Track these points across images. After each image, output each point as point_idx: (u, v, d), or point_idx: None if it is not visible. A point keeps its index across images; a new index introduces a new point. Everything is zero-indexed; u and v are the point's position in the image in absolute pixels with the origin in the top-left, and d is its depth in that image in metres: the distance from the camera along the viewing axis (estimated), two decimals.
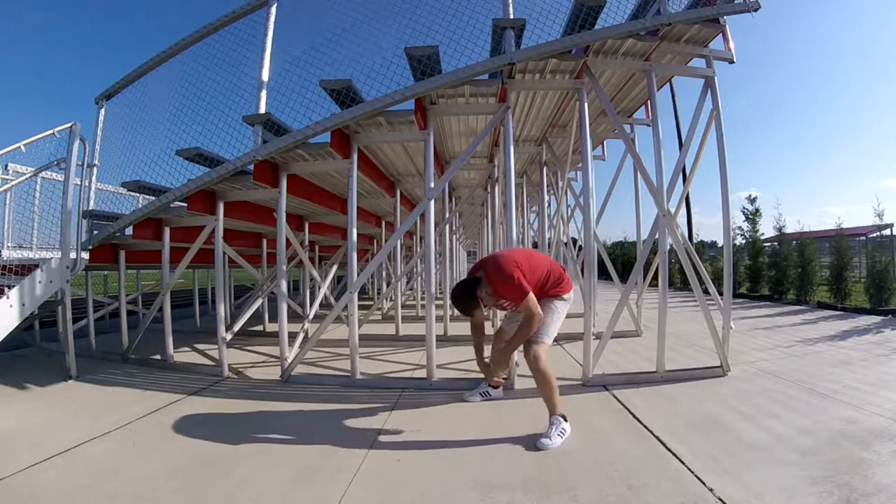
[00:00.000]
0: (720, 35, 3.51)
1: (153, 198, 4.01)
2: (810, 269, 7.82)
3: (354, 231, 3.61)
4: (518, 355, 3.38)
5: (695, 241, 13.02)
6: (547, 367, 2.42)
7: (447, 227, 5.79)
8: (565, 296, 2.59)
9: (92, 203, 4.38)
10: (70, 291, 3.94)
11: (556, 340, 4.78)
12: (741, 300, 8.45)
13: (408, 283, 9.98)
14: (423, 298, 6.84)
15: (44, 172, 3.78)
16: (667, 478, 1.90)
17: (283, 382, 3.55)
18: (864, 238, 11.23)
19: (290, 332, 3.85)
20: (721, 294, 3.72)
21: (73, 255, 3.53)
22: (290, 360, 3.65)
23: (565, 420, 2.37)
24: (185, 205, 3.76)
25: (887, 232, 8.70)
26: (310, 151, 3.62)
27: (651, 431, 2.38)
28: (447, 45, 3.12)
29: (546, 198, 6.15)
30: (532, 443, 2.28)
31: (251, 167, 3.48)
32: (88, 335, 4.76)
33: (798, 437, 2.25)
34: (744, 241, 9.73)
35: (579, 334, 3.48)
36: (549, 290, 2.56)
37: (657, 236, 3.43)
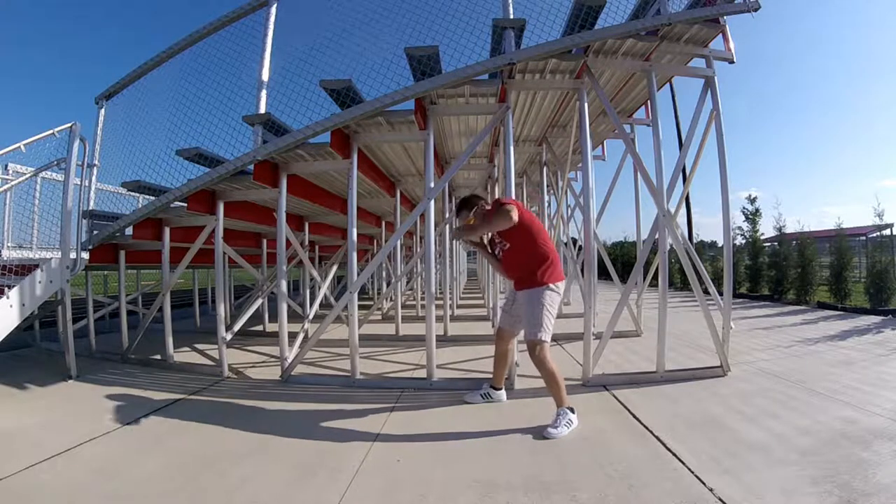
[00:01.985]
0: (720, 35, 3.51)
1: (153, 198, 4.01)
2: (810, 269, 7.81)
3: (354, 231, 3.61)
4: (519, 356, 3.38)
5: (695, 241, 13.02)
6: (552, 365, 2.52)
7: (447, 227, 5.80)
8: (555, 285, 2.59)
9: (92, 203, 4.38)
10: (70, 291, 3.94)
11: (555, 340, 4.81)
12: (741, 300, 8.45)
13: (408, 283, 9.98)
14: (423, 298, 6.83)
15: (44, 172, 3.78)
16: (667, 478, 1.90)
17: (283, 382, 3.55)
18: (864, 238, 11.23)
19: (290, 332, 3.85)
20: (721, 294, 3.72)
21: (73, 255, 3.53)
22: (290, 360, 3.65)
23: (572, 412, 2.48)
24: (185, 205, 3.76)
25: (887, 232, 8.69)
26: (310, 151, 3.62)
27: (651, 431, 2.38)
28: (447, 45, 3.12)
29: (546, 198, 6.16)
30: (533, 443, 2.28)
31: (251, 167, 3.47)
32: (88, 335, 4.76)
33: (798, 437, 2.25)
34: (744, 241, 9.72)
35: (579, 334, 3.49)
36: (548, 266, 2.61)
37: (657, 236, 3.43)
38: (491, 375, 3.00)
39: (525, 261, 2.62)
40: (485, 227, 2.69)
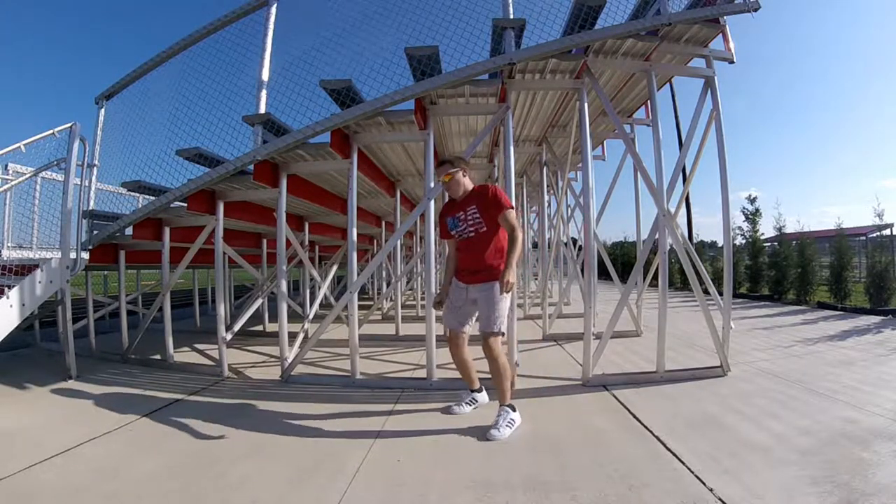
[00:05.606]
0: (720, 35, 3.51)
1: (153, 198, 4.01)
2: (810, 269, 7.81)
3: (354, 231, 3.61)
4: (518, 355, 3.38)
5: (695, 241, 13.02)
6: (504, 358, 2.52)
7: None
8: None
9: (92, 203, 4.38)
10: (70, 291, 3.94)
11: (555, 340, 4.81)
12: (741, 300, 8.44)
13: (408, 283, 9.98)
14: (423, 298, 6.84)
15: (44, 172, 3.78)
16: (667, 478, 1.90)
17: (283, 382, 3.55)
18: (864, 238, 11.23)
19: (290, 332, 3.85)
20: (721, 294, 3.72)
21: (73, 255, 3.53)
22: (290, 360, 3.65)
23: (514, 410, 2.50)
24: (185, 205, 3.76)
25: (887, 232, 8.68)
26: (310, 151, 3.62)
27: (651, 431, 2.38)
28: (447, 45, 3.13)
29: (546, 198, 6.16)
30: (533, 442, 2.28)
31: (251, 167, 3.48)
32: (88, 335, 4.76)
33: (798, 437, 2.25)
34: (744, 241, 9.72)
35: (579, 334, 3.48)
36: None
37: (657, 236, 3.43)
38: (485, 375, 2.97)
39: (495, 254, 2.55)
40: (520, 247, 2.48)
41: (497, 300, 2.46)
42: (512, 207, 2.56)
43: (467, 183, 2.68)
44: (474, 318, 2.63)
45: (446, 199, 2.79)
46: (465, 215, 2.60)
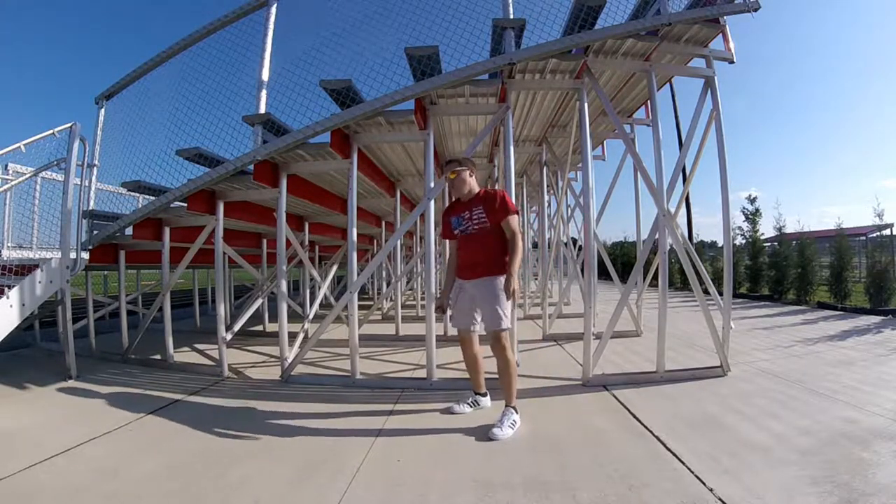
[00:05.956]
0: (720, 35, 3.51)
1: (153, 198, 4.01)
2: (810, 269, 7.81)
3: (354, 231, 3.61)
4: (518, 355, 3.38)
5: (695, 241, 13.03)
6: (512, 357, 2.54)
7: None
8: None
9: (92, 203, 4.39)
10: (70, 291, 3.94)
11: (555, 340, 4.81)
12: (741, 300, 8.44)
13: (408, 283, 9.98)
14: (423, 298, 6.84)
15: (44, 172, 3.78)
16: (667, 478, 1.89)
17: (283, 382, 3.55)
18: (864, 238, 11.23)
19: (290, 332, 3.85)
20: (721, 294, 3.72)
21: (73, 255, 3.53)
22: (290, 360, 3.66)
23: (516, 412, 2.51)
24: (185, 205, 3.76)
25: (887, 232, 8.68)
26: (310, 151, 3.62)
27: (651, 431, 2.38)
28: (447, 45, 3.13)
29: (546, 198, 6.16)
30: (533, 443, 2.28)
31: (251, 167, 3.48)
32: (88, 335, 4.76)
33: (798, 437, 2.25)
34: (744, 241, 9.71)
35: (579, 334, 3.48)
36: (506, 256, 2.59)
37: (657, 236, 3.43)
38: (492, 375, 2.97)
39: (495, 249, 2.56)
40: (521, 254, 2.52)
41: (498, 296, 2.49)
42: (517, 213, 2.60)
43: (473, 183, 2.70)
44: (479, 316, 2.61)
45: (447, 201, 2.80)
46: (471, 214, 2.63)
